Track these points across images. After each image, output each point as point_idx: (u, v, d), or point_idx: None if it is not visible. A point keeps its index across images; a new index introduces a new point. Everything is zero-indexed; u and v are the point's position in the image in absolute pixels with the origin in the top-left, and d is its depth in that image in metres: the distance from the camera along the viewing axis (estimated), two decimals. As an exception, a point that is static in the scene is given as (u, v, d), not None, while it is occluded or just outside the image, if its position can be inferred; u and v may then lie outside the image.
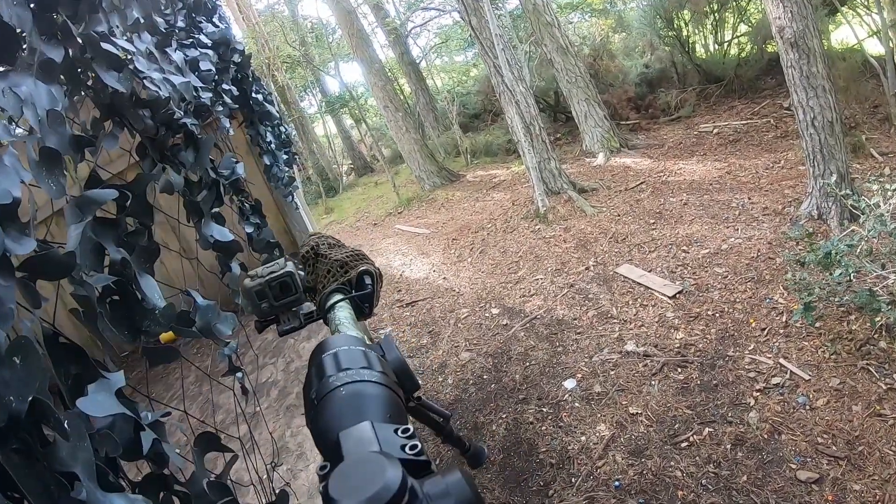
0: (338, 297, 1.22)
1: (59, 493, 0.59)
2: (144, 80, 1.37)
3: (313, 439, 0.67)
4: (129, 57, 1.37)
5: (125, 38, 1.42)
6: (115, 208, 1.17)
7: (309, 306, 1.33)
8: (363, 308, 1.24)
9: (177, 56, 1.59)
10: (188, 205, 1.64)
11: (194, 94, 1.65)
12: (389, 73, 15.96)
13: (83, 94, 1.31)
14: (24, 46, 0.98)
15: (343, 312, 1.14)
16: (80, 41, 1.19)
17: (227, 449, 1.11)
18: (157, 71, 1.47)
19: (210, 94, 1.71)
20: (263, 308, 1.28)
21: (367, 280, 1.27)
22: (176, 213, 1.66)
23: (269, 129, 3.64)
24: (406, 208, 11.40)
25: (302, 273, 1.35)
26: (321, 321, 1.25)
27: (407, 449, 0.55)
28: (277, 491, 1.28)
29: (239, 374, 1.59)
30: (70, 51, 1.19)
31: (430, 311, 6.04)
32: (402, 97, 16.10)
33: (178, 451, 0.99)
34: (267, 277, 1.28)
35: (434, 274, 7.17)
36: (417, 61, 17.71)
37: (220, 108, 2.08)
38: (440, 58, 20.49)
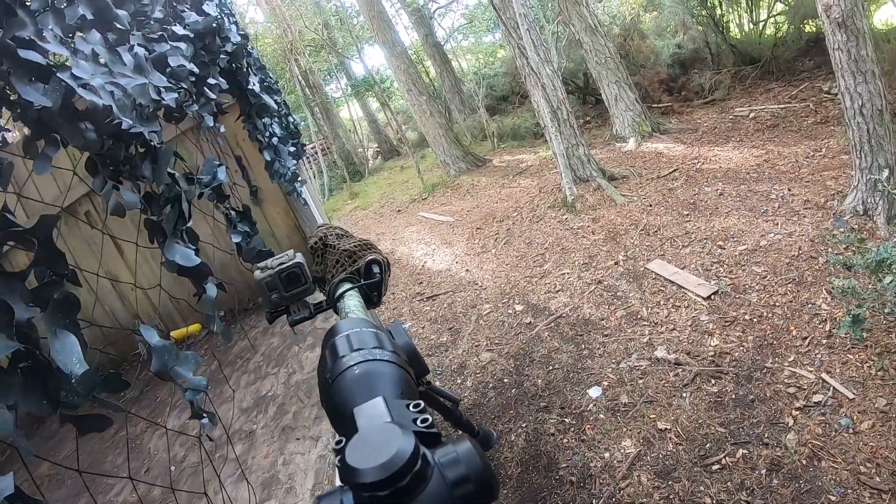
0: (347, 286, 1.24)
1: None
2: (81, 89, 1.16)
3: (328, 418, 0.69)
4: (64, 62, 1.16)
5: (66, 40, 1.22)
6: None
7: (318, 296, 1.34)
8: (372, 296, 1.26)
9: (130, 56, 1.38)
10: (148, 224, 1.44)
11: (155, 95, 1.44)
12: (414, 56, 15.67)
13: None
14: None
15: (352, 301, 1.16)
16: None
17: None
18: (102, 75, 1.26)
19: (176, 95, 1.50)
20: (274, 299, 1.29)
21: (376, 269, 1.30)
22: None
23: (276, 120, 3.44)
24: (431, 194, 11.17)
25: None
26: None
27: (418, 422, 0.56)
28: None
29: (205, 421, 1.39)
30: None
31: (451, 305, 5.82)
32: (426, 80, 15.82)
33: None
34: (276, 269, 1.29)
35: (456, 265, 6.95)
36: (443, 43, 17.35)
37: (197, 107, 1.88)
38: (466, 39, 20.06)
